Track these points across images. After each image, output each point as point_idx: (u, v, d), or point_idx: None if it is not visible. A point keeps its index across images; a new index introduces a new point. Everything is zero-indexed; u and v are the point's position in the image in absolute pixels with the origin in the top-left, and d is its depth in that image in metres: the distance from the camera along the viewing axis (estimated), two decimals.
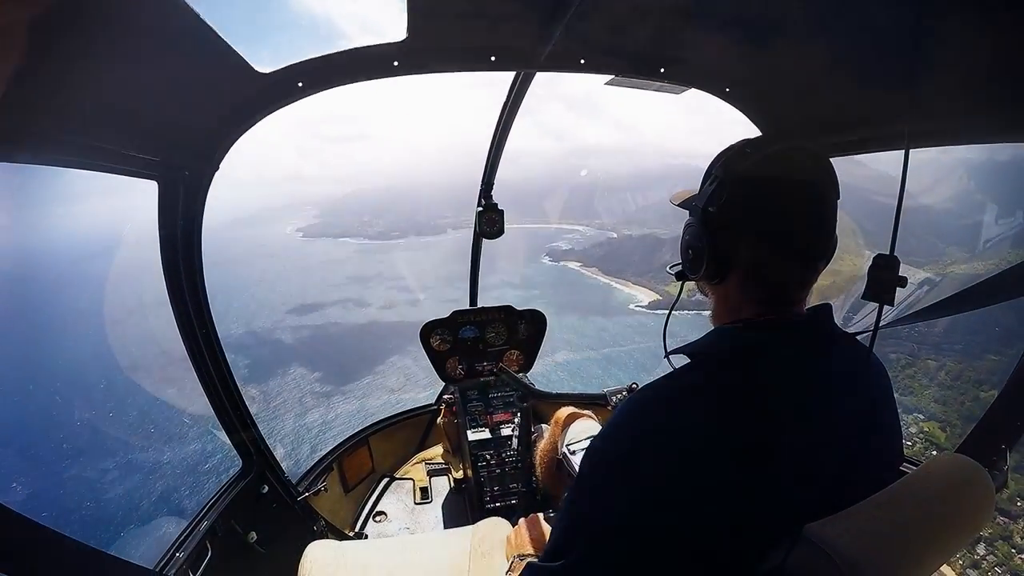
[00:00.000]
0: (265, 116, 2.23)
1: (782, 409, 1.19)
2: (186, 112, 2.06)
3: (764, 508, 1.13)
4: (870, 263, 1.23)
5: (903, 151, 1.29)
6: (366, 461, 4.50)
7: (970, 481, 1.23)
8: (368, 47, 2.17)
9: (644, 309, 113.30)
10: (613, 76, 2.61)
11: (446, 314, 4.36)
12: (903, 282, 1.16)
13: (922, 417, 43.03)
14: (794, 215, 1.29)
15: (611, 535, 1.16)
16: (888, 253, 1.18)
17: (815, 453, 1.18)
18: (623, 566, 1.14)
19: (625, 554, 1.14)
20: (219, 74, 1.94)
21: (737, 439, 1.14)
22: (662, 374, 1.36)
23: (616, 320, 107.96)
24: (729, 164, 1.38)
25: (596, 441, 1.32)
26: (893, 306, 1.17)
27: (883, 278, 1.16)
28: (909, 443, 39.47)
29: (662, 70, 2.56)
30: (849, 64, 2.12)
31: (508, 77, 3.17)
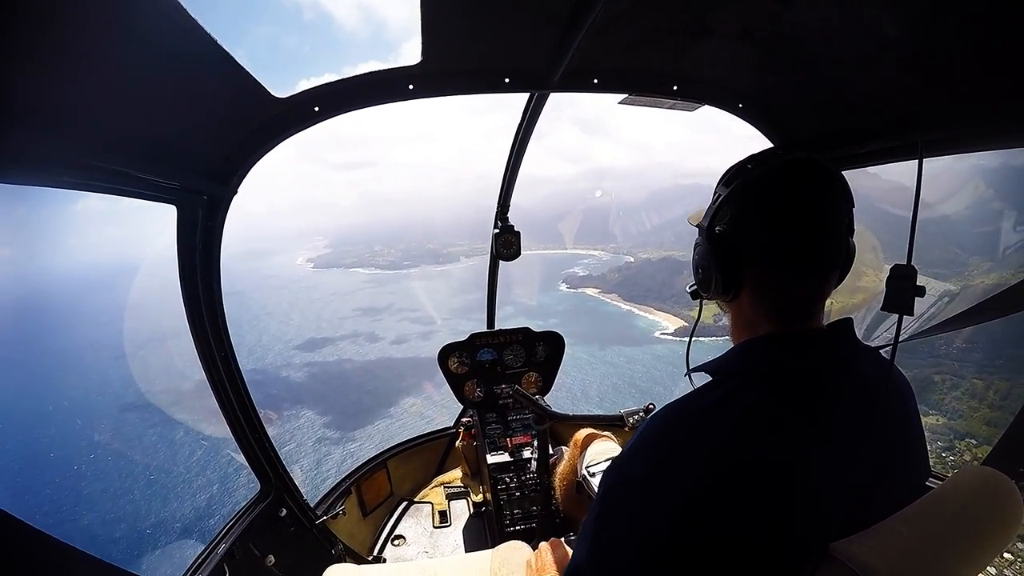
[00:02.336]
0: (282, 140, 2.30)
1: (806, 425, 1.21)
2: (204, 137, 2.13)
3: (789, 526, 1.14)
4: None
5: (917, 161, 1.35)
6: (384, 484, 4.56)
7: (998, 494, 1.24)
8: (384, 71, 2.24)
9: (671, 337, 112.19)
10: (626, 95, 2.67)
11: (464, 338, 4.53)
12: (921, 292, 1.18)
13: (975, 442, 41.73)
14: (797, 227, 1.30)
15: (633, 554, 1.18)
16: (905, 263, 1.19)
17: (840, 469, 1.20)
18: None
19: (647, 573, 1.16)
20: (236, 99, 1.99)
21: (761, 456, 1.16)
22: None
23: (644, 349, 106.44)
24: (731, 180, 1.41)
25: (619, 459, 1.33)
26: (913, 316, 1.19)
27: (901, 288, 1.18)
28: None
29: (675, 87, 2.63)
30: (861, 75, 2.15)
31: (518, 100, 3.24)
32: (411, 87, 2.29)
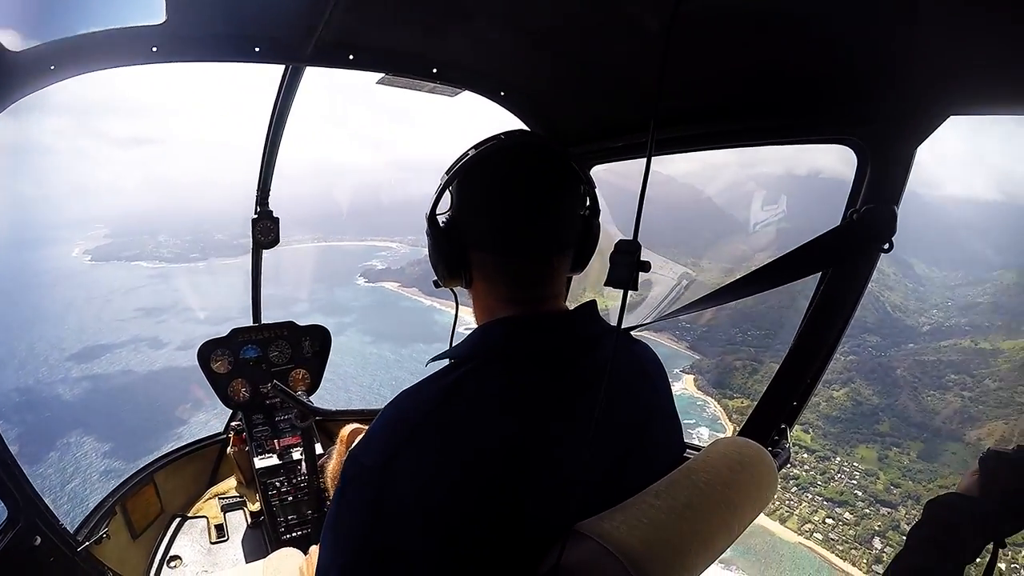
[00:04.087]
0: (13, 102, 1.97)
1: (545, 404, 1.22)
2: None
3: (534, 508, 1.13)
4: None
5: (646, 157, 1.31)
6: (153, 501, 4.21)
7: (751, 460, 1.32)
8: (124, 29, 2.06)
9: None
10: (384, 74, 2.66)
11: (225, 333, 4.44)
12: (646, 266, 1.16)
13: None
14: (502, 209, 1.31)
15: (369, 550, 1.12)
16: (631, 239, 1.17)
17: (584, 449, 1.16)
18: None
19: (386, 569, 1.11)
20: None
21: (498, 438, 1.14)
22: None
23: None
24: (450, 168, 1.38)
25: (354, 450, 1.25)
26: (637, 290, 1.16)
27: (625, 263, 1.15)
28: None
29: (435, 71, 2.63)
30: (617, 70, 2.34)
31: (315, 77, 3.28)
32: (154, 49, 2.10)
